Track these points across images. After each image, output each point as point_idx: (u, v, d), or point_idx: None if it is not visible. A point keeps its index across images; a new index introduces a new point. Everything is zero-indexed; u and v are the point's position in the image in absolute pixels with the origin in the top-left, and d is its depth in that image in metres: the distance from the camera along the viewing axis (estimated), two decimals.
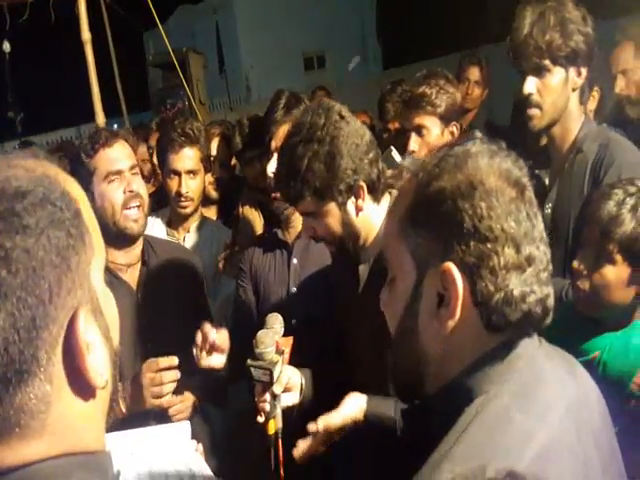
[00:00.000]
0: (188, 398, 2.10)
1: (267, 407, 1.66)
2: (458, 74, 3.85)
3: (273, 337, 1.64)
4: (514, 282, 0.87)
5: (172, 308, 2.17)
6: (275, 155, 2.49)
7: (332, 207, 1.67)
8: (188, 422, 1.70)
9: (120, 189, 2.06)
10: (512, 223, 0.87)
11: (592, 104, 2.79)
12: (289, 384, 1.74)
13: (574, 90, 2.08)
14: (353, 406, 1.62)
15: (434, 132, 2.60)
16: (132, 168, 2.10)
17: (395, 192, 1.81)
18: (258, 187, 2.92)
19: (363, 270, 1.76)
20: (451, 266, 0.87)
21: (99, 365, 0.69)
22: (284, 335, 1.73)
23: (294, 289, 2.17)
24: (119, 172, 2.06)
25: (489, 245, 0.86)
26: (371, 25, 23.55)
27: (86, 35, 4.13)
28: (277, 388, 1.66)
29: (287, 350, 1.73)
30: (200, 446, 1.67)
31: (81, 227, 0.69)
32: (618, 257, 1.59)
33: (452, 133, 2.65)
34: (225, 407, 2.44)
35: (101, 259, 0.74)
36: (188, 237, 2.79)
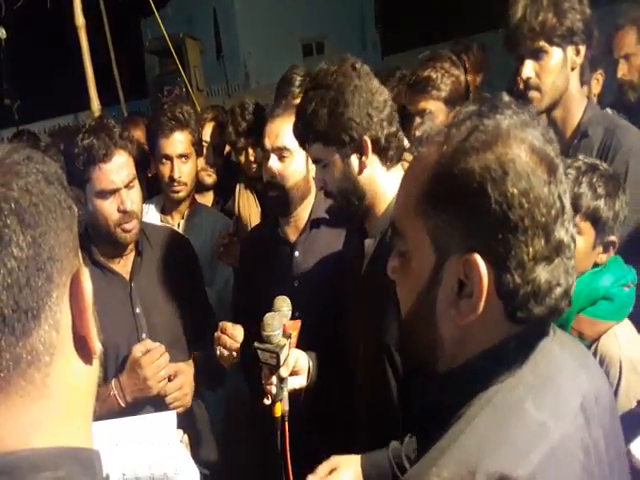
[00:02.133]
0: (184, 385, 2.09)
1: (274, 390, 1.65)
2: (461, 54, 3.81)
3: (280, 320, 1.63)
4: (542, 274, 0.81)
5: (167, 296, 2.14)
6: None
7: (336, 157, 1.66)
8: (174, 412, 1.69)
9: (114, 206, 1.97)
10: (543, 210, 0.80)
11: (597, 87, 2.76)
12: (296, 367, 1.73)
13: (573, 69, 2.04)
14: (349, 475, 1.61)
15: (439, 117, 2.57)
16: (129, 183, 2.00)
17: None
18: (252, 175, 2.90)
19: (369, 245, 1.73)
20: (477, 258, 0.80)
21: (95, 332, 0.69)
22: (292, 319, 1.70)
23: (297, 282, 2.15)
24: (114, 191, 1.97)
25: (518, 236, 0.80)
26: (370, 11, 23.43)
27: (80, 20, 4.08)
28: (284, 371, 1.64)
29: (295, 334, 1.71)
30: (185, 437, 1.66)
31: (74, 219, 0.70)
32: (584, 225, 1.69)
33: None
34: (220, 389, 2.43)
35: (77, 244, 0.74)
36: (182, 223, 2.76)
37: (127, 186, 1.99)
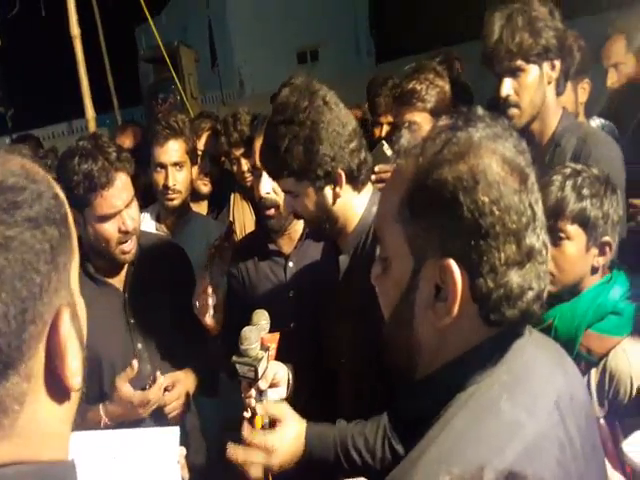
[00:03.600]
0: (182, 394, 2.10)
1: (252, 403, 1.65)
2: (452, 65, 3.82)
3: (258, 333, 1.63)
4: (513, 278, 0.85)
5: (161, 305, 2.14)
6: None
7: (309, 190, 1.67)
8: (177, 428, 1.69)
9: (115, 227, 1.97)
10: (514, 217, 0.84)
11: (583, 96, 2.79)
12: (275, 379, 1.73)
13: (549, 83, 2.10)
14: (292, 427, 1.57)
15: (425, 128, 2.59)
16: (129, 203, 1.99)
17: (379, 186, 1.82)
18: (245, 186, 2.92)
19: (343, 260, 1.76)
20: (451, 263, 0.85)
21: (77, 367, 0.68)
22: (271, 331, 1.72)
23: (292, 293, 2.16)
24: (115, 214, 1.97)
25: (490, 242, 0.84)
26: (364, 19, 23.51)
27: (75, 30, 4.09)
28: (262, 384, 1.66)
29: (273, 346, 1.72)
30: (183, 454, 1.67)
31: (68, 228, 0.69)
32: (572, 229, 1.71)
33: None
34: (216, 396, 2.43)
35: (77, 262, 0.74)
36: (177, 231, 2.77)
37: (127, 207, 1.99)
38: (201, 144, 3.09)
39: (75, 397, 0.71)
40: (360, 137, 1.71)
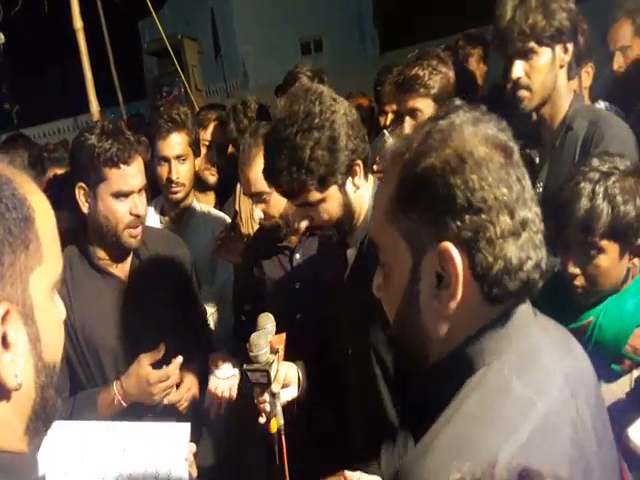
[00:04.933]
0: (191, 387, 2.11)
1: (268, 407, 1.66)
2: (457, 52, 3.80)
3: (266, 338, 1.63)
4: (511, 249, 0.86)
5: (164, 298, 2.15)
6: None
7: (334, 191, 1.65)
8: (188, 424, 1.70)
9: (127, 209, 1.99)
10: (504, 189, 0.86)
11: (587, 80, 2.76)
12: (286, 380, 1.74)
13: (561, 67, 2.07)
14: None
15: (428, 114, 2.57)
16: (141, 189, 2.03)
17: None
18: None
19: (351, 254, 1.74)
20: (449, 246, 0.86)
21: (14, 366, 0.69)
22: (276, 332, 1.71)
23: (298, 284, 2.16)
24: (129, 193, 1.99)
25: (484, 216, 0.85)
26: (368, 8, 23.39)
27: (78, 23, 4.08)
28: (275, 387, 1.66)
29: (281, 347, 1.71)
30: (193, 448, 1.67)
31: (27, 232, 0.71)
32: (605, 243, 1.62)
33: None
34: None
35: (52, 274, 0.75)
36: (182, 223, 2.77)
37: (140, 192, 2.02)
38: (208, 134, 3.09)
39: (20, 398, 0.71)
40: (362, 124, 1.71)
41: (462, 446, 0.79)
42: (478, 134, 0.88)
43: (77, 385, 2.00)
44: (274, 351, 1.64)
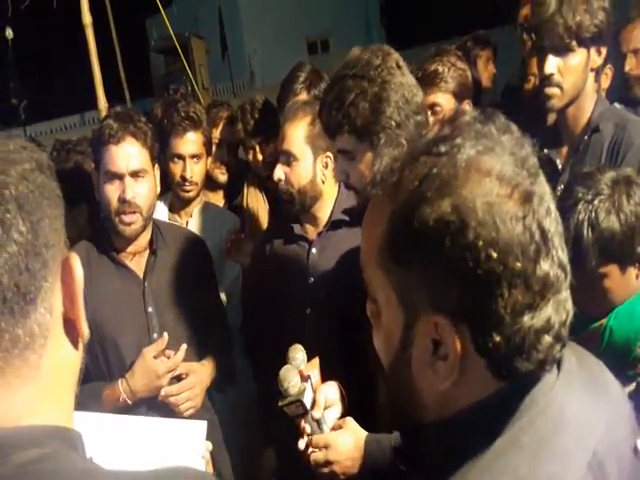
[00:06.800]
0: (196, 385, 2.08)
1: (312, 435, 1.58)
2: (467, 53, 3.79)
3: (294, 369, 1.58)
4: (525, 324, 0.69)
5: (180, 296, 2.12)
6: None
7: (368, 155, 1.60)
8: (205, 422, 1.68)
9: (116, 194, 1.95)
10: (519, 254, 0.68)
11: (605, 82, 2.73)
12: (328, 402, 1.64)
13: (592, 70, 2.02)
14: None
15: (448, 110, 2.56)
16: (135, 172, 1.97)
17: None
18: (260, 175, 2.90)
19: None
20: (444, 323, 0.70)
21: (84, 315, 0.70)
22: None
23: (312, 279, 2.14)
24: (119, 176, 1.96)
25: (491, 290, 0.68)
26: (375, 8, 23.38)
27: (87, 19, 4.08)
28: (317, 412, 1.58)
29: (316, 372, 1.65)
30: (210, 448, 1.66)
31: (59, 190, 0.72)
32: (603, 269, 1.58)
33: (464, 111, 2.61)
34: (231, 390, 2.42)
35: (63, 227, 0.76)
36: (191, 222, 2.74)
37: (134, 176, 1.98)
38: (218, 133, 3.07)
39: (81, 351, 0.73)
40: (425, 113, 1.66)
41: None
42: (492, 173, 0.70)
43: (83, 378, 1.99)
44: (305, 379, 1.58)
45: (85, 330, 0.70)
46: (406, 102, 1.58)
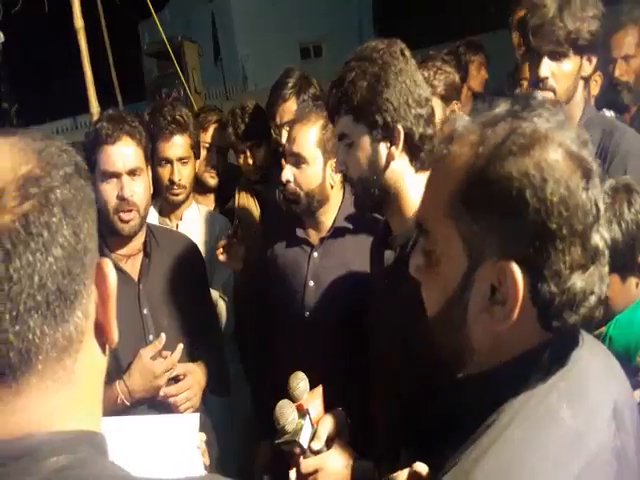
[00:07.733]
0: (194, 385, 2.08)
1: (310, 469, 1.53)
2: (458, 58, 3.81)
3: (290, 405, 1.52)
4: (577, 282, 0.79)
5: (174, 299, 2.13)
6: (284, 130, 2.47)
7: (364, 139, 1.57)
8: (198, 415, 1.68)
9: (114, 193, 1.98)
10: (581, 217, 0.78)
11: (595, 89, 2.74)
12: (331, 434, 1.57)
13: (583, 78, 2.04)
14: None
15: (436, 113, 2.56)
16: (132, 171, 2.00)
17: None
18: (251, 179, 2.90)
19: (388, 257, 1.64)
20: (513, 267, 0.78)
21: (115, 322, 0.71)
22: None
23: (312, 283, 2.14)
24: (116, 175, 1.98)
25: (556, 244, 0.77)
26: (368, 14, 23.43)
27: (79, 22, 4.06)
28: (316, 445, 1.53)
29: (317, 401, 1.59)
30: (204, 440, 1.65)
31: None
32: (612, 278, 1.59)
33: (453, 112, 2.63)
34: (227, 395, 2.42)
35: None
36: (181, 225, 2.74)
37: (130, 174, 2.00)
38: (208, 136, 3.07)
39: (107, 356, 0.73)
40: (432, 113, 1.63)
41: (510, 474, 0.75)
42: (562, 146, 0.80)
43: None
44: (303, 414, 1.53)
45: (115, 336, 0.70)
46: (406, 89, 1.55)
